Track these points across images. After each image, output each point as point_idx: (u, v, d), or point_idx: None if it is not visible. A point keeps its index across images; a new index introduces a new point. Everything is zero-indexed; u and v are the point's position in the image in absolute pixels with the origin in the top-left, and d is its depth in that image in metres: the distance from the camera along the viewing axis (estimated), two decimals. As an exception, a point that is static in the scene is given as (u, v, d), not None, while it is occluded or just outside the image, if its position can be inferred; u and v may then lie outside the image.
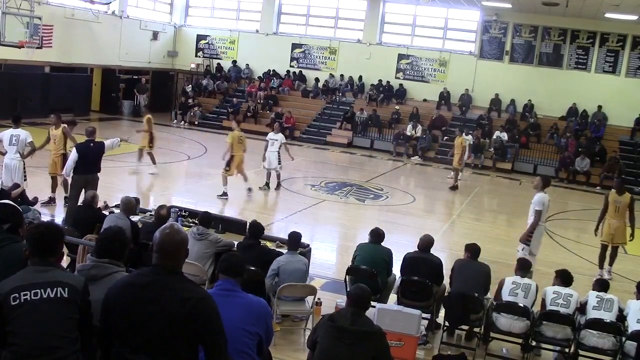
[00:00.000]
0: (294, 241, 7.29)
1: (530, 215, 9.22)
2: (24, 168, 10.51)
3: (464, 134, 18.31)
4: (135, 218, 7.97)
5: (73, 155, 9.72)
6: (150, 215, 8.23)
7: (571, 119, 23.67)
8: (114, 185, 13.14)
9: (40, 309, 3.28)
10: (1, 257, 3.98)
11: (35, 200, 10.24)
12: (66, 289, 3.36)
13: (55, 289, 3.33)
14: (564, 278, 7.09)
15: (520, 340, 7.06)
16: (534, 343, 6.97)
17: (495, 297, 7.17)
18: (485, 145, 22.23)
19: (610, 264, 10.46)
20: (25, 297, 3.27)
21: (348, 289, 6.72)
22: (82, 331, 3.41)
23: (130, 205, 7.65)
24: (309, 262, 7.50)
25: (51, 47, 20.85)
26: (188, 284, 3.33)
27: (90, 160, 9.72)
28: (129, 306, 3.20)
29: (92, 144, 9.81)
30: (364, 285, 4.96)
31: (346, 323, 4.41)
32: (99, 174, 9.87)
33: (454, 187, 17.36)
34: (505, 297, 6.96)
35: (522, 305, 6.80)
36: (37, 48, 19.04)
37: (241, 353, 3.89)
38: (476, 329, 7.24)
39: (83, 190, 9.45)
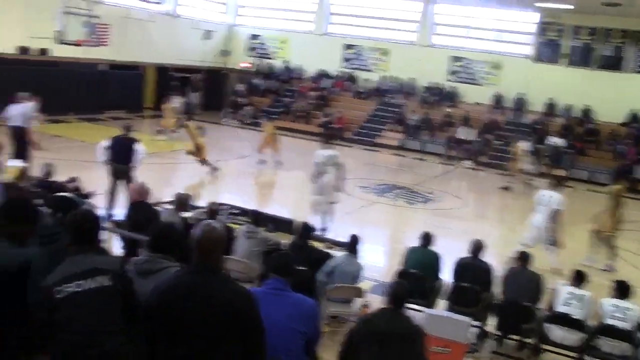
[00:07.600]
0: (353, 244, 7.20)
1: None
2: None
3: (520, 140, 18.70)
4: (187, 214, 8.05)
5: (104, 142, 10.48)
6: (203, 212, 8.30)
7: (632, 125, 22.85)
8: (165, 180, 13.35)
9: (85, 300, 3.26)
10: (56, 250, 4.05)
11: (90, 194, 10.45)
12: (107, 276, 3.35)
13: (96, 277, 3.32)
14: (621, 290, 6.83)
15: (573, 354, 6.83)
16: (588, 358, 6.72)
17: (547, 307, 6.97)
18: (541, 152, 21.63)
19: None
20: (68, 289, 3.25)
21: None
22: (129, 315, 3.36)
23: (183, 202, 7.74)
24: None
25: (107, 45, 21.37)
26: (229, 283, 3.32)
27: (117, 150, 10.32)
28: (172, 311, 3.18)
29: (122, 137, 10.52)
30: (400, 280, 4.84)
31: (386, 325, 4.31)
32: (132, 167, 10.33)
33: (506, 188, 17.88)
34: (559, 307, 6.75)
35: (576, 317, 6.58)
36: (94, 46, 19.55)
37: (289, 352, 3.88)
38: (527, 340, 7.05)
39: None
